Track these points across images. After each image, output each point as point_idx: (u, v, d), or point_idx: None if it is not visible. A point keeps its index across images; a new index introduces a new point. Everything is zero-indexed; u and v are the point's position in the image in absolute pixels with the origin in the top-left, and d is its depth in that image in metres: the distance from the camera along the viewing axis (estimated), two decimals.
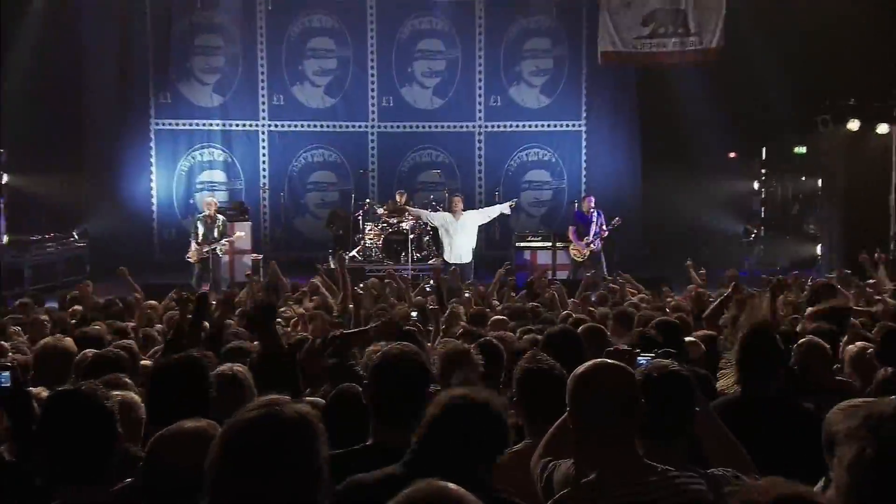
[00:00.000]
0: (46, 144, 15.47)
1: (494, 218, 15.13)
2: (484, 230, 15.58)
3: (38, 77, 15.31)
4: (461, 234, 14.50)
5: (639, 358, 3.33)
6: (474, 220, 14.74)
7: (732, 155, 16.91)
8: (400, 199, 15.67)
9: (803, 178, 16.67)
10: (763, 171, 17.01)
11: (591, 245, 14.62)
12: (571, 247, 14.88)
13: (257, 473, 1.94)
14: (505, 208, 14.78)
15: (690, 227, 16.24)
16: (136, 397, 3.50)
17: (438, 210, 15.06)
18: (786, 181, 17.02)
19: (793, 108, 15.24)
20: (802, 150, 16.26)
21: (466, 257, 14.45)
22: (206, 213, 14.27)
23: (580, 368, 2.67)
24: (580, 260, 14.70)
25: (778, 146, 16.56)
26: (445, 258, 14.43)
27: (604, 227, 14.66)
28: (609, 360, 2.75)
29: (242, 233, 14.97)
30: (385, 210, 15.60)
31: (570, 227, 15.05)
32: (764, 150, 16.82)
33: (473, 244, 14.63)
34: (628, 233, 15.46)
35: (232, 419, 2.04)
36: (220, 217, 14.32)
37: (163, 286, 11.07)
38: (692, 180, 16.19)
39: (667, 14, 15.92)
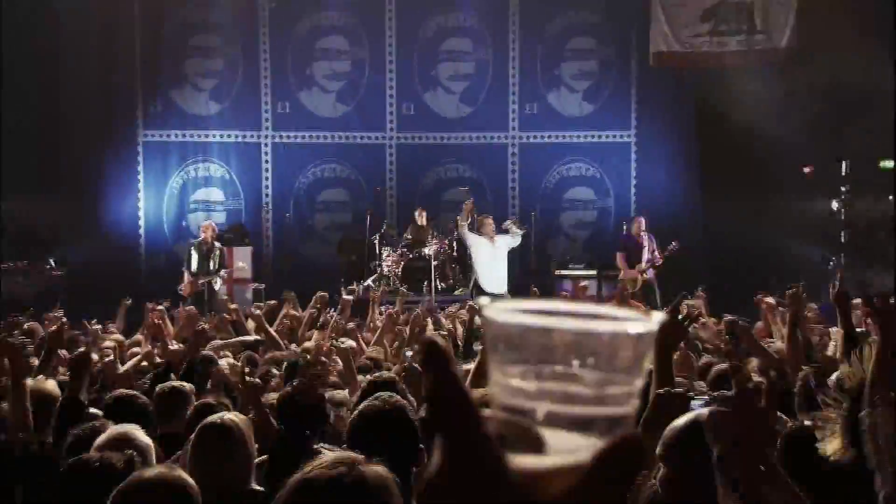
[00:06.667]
0: (19, 159, 15.06)
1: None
2: (518, 256, 15.46)
3: (10, 85, 14.99)
4: (499, 262, 14.38)
5: (693, 402, 3.46)
6: (506, 245, 14.52)
7: (807, 170, 16.27)
8: (419, 217, 15.57)
9: (891, 198, 15.88)
10: (844, 188, 16.25)
11: (644, 274, 14.48)
12: (621, 276, 14.62)
13: None
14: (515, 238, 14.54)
15: (759, 254, 15.63)
16: None
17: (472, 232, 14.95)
18: (871, 201, 16.22)
19: (878, 115, 14.63)
20: (890, 164, 15.77)
21: (502, 288, 14.26)
22: (202, 237, 14.11)
23: (686, 421, 2.84)
24: (631, 291, 13.81)
25: (862, 160, 15.97)
26: (485, 288, 14.27)
27: (657, 254, 14.46)
28: (720, 412, 2.75)
29: (243, 263, 14.94)
30: (409, 236, 15.60)
31: (619, 253, 14.92)
32: (844, 164, 16.11)
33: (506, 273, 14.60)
34: (687, 259, 14.86)
35: (307, 473, 2.18)
36: (218, 244, 14.16)
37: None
38: (760, 199, 15.64)
39: (730, 9, 16.06)
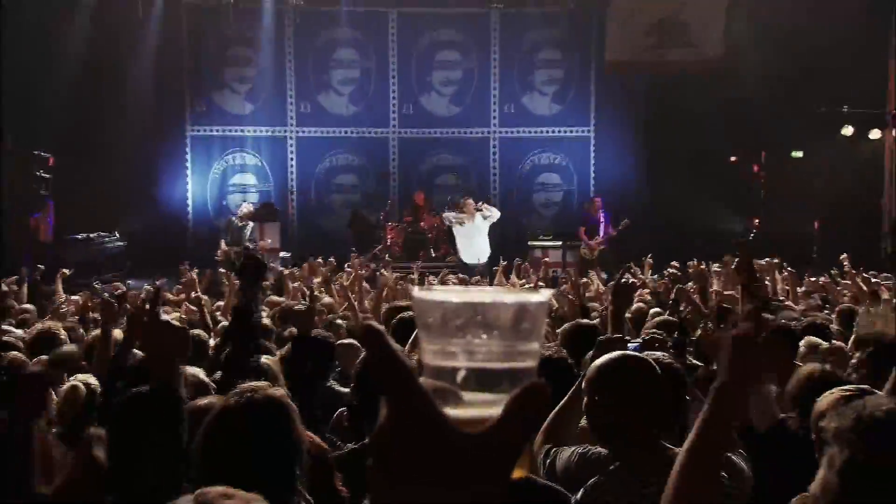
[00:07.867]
0: (89, 150, 16.03)
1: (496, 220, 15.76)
2: (500, 230, 16.18)
3: (80, 91, 16.01)
4: (478, 236, 15.22)
5: (630, 344, 3.54)
6: (485, 221, 15.42)
7: (733, 159, 17.50)
8: (417, 198, 16.66)
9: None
10: (762, 173, 17.51)
11: (602, 245, 15.51)
12: (581, 246, 15.67)
13: (235, 453, 2.18)
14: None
15: (694, 227, 16.54)
16: None
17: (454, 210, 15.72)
18: (784, 184, 17.22)
19: (790, 114, 16.04)
20: (799, 154, 17.08)
21: (484, 257, 15.07)
22: (239, 214, 15.21)
23: (603, 359, 2.76)
24: (589, 259, 15.44)
25: (776, 150, 17.21)
26: (463, 258, 15.19)
27: (611, 228, 15.58)
28: (632, 353, 2.87)
29: (270, 240, 15.83)
30: (409, 214, 16.60)
31: (580, 228, 15.99)
32: (763, 154, 17.40)
33: (488, 244, 15.43)
34: (636, 234, 15.68)
35: (216, 406, 2.33)
36: (251, 224, 15.20)
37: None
38: (695, 183, 16.72)
39: (670, 25, 17.22)
